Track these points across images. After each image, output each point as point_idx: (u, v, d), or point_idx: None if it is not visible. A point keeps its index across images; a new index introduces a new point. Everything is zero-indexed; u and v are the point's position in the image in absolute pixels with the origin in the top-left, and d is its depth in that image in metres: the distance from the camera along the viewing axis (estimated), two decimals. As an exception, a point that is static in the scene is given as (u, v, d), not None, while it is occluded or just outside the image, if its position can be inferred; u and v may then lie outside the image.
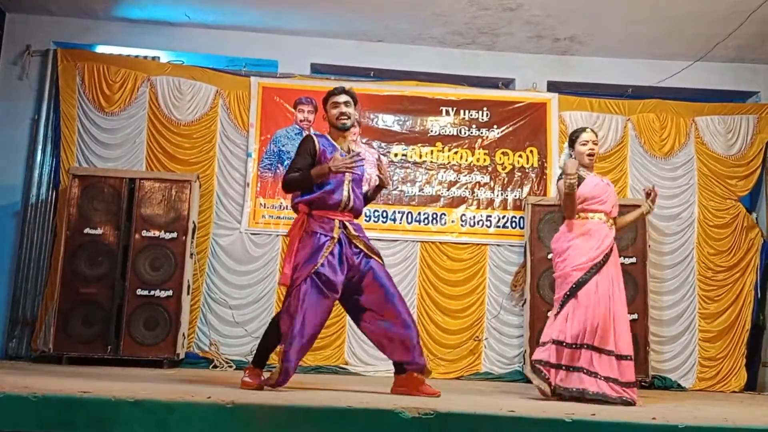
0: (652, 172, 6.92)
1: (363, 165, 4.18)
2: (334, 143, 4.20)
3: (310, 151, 4.09)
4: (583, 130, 4.50)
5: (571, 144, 4.50)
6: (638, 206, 6.31)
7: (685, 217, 6.88)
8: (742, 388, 6.54)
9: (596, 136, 4.52)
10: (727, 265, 6.81)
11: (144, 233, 6.03)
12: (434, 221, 6.78)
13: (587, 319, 4.10)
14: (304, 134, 6.78)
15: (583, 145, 4.41)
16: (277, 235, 6.65)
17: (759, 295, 6.80)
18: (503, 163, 6.93)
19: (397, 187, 6.82)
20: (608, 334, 4.09)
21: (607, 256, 4.24)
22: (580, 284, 4.18)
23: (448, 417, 2.59)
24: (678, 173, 6.96)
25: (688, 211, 6.89)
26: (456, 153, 6.94)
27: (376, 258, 4.12)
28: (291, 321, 3.86)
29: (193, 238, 6.22)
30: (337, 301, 4.10)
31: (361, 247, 4.08)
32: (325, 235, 3.98)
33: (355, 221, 4.20)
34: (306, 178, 4.01)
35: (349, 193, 4.10)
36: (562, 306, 4.23)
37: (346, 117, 4.18)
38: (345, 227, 4.06)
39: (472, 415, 2.65)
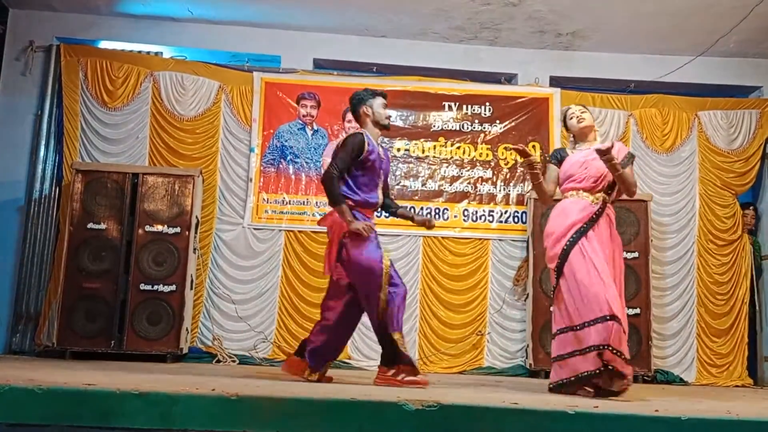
0: (653, 168, 6.92)
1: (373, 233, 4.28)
2: (374, 142, 4.36)
3: (357, 150, 4.22)
4: (569, 108, 4.47)
5: (565, 125, 4.48)
6: (641, 201, 6.36)
7: (687, 211, 6.88)
8: (744, 383, 6.55)
9: (584, 107, 4.42)
10: (726, 261, 6.81)
11: (147, 228, 6.04)
12: (437, 216, 6.78)
13: (582, 294, 3.90)
14: (307, 129, 6.84)
15: (571, 119, 4.37)
16: (280, 230, 6.67)
17: (754, 288, 6.82)
18: (505, 158, 6.93)
19: (400, 182, 6.83)
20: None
21: (581, 231, 4.03)
22: (561, 261, 4.03)
23: (452, 409, 2.60)
24: (680, 169, 6.95)
25: (689, 205, 6.89)
26: (458, 148, 6.94)
27: None
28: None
29: (196, 233, 6.23)
30: None
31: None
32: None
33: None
34: (336, 200, 4.16)
35: (381, 196, 4.42)
36: (555, 290, 4.12)
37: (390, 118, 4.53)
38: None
39: (475, 407, 2.66)
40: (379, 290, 4.09)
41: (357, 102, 4.42)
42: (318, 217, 6.62)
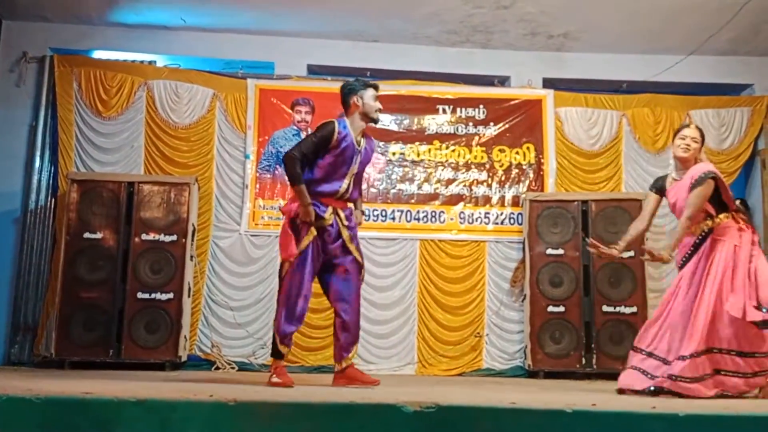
0: (644, 168, 6.94)
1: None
2: (351, 131, 4.32)
3: (326, 139, 4.22)
4: (687, 125, 4.22)
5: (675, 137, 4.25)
6: (635, 200, 6.39)
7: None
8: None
9: (698, 132, 4.17)
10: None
11: (144, 236, 6.05)
12: (433, 219, 6.80)
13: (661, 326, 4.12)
14: (302, 135, 6.84)
15: (681, 139, 4.14)
16: (277, 237, 6.65)
17: None
18: (500, 160, 6.96)
19: (396, 186, 6.85)
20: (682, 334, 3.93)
21: (687, 258, 4.12)
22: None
23: (450, 410, 2.60)
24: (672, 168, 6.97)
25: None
26: (453, 151, 6.96)
27: (356, 255, 4.38)
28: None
29: (192, 240, 6.24)
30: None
31: (345, 238, 4.34)
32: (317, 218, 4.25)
33: (349, 206, 4.44)
34: (294, 180, 4.21)
35: (348, 185, 4.34)
36: None
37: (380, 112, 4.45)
38: (337, 213, 4.33)
39: (473, 407, 2.66)
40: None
41: (348, 92, 4.38)
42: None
